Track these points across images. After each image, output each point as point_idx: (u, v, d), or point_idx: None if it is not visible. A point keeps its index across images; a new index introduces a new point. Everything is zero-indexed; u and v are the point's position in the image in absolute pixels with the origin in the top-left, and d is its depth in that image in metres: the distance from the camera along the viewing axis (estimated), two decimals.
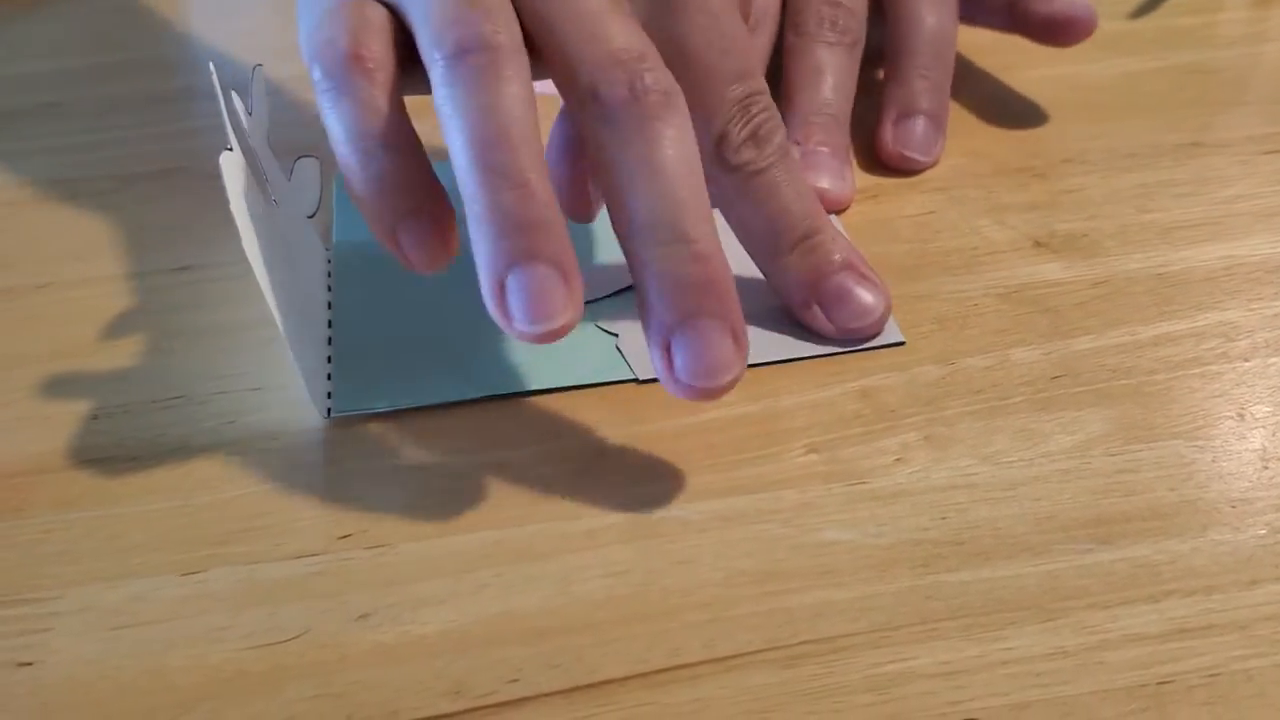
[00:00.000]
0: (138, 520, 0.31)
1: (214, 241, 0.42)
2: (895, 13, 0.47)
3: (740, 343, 0.30)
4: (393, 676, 0.27)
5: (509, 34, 0.31)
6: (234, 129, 0.34)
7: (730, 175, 0.36)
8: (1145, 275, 0.38)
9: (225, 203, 0.31)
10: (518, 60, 0.31)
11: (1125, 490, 0.31)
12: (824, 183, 0.41)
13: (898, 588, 0.29)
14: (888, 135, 0.45)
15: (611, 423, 0.34)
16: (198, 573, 0.30)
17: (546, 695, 0.27)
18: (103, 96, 0.53)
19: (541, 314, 0.29)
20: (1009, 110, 0.48)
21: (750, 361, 0.32)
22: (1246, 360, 0.35)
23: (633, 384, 0.35)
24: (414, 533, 0.31)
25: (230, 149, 0.33)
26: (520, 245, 0.29)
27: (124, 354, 0.37)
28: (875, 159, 0.45)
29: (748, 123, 0.35)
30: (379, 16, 0.33)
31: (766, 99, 0.36)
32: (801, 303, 0.36)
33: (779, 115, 0.36)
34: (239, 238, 0.31)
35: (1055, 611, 0.28)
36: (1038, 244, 0.40)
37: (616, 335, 0.36)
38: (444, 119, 0.30)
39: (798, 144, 0.42)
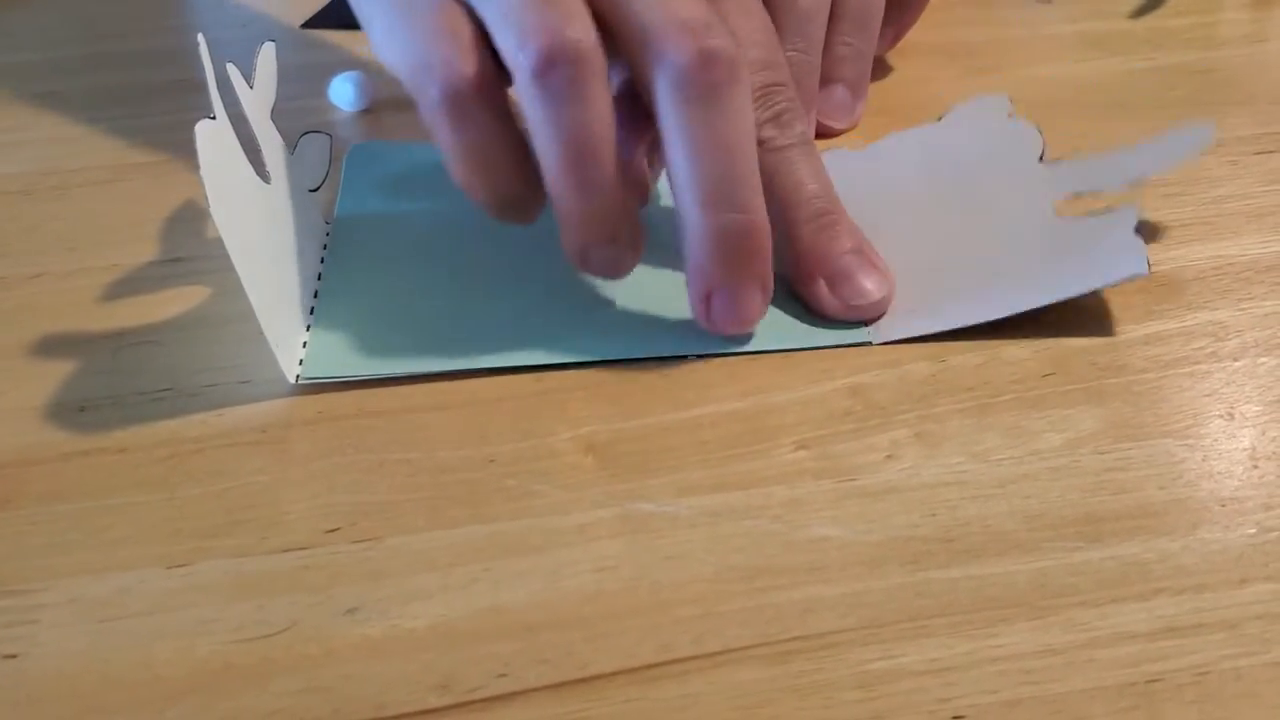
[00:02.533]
0: (125, 513, 0.31)
1: (206, 234, 0.42)
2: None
3: (767, 297, 0.36)
4: (380, 671, 0.27)
5: (588, 34, 0.33)
6: (219, 99, 0.35)
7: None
8: None
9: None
10: (599, 63, 0.33)
11: (1115, 488, 0.31)
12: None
13: (887, 584, 0.28)
14: None
15: (601, 418, 0.34)
16: (185, 566, 0.30)
17: (535, 690, 0.26)
18: (97, 87, 0.53)
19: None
20: None
21: (760, 348, 0.36)
22: (1236, 360, 0.35)
23: (621, 378, 0.35)
24: (402, 526, 0.30)
25: (213, 118, 0.34)
26: (602, 236, 0.35)
27: (114, 345, 0.37)
28: None
29: (770, 107, 0.37)
30: (467, 26, 0.34)
31: (790, 93, 0.38)
32: (807, 275, 0.37)
33: (801, 110, 0.38)
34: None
35: (1045, 609, 0.28)
36: None
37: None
38: (535, 128, 0.33)
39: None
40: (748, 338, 0.36)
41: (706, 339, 0.36)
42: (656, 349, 0.36)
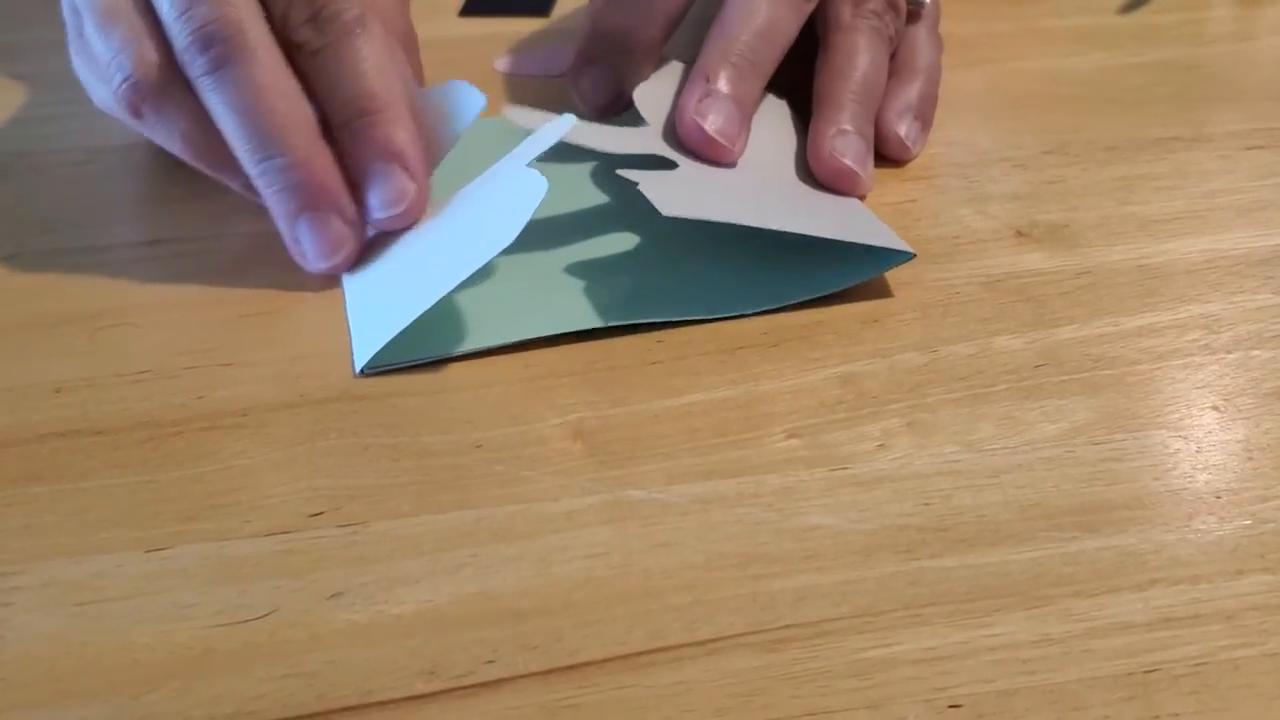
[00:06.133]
0: (103, 495, 0.31)
1: (185, 215, 0.42)
2: (832, 39, 0.42)
3: (348, 219, 0.37)
4: (366, 656, 0.26)
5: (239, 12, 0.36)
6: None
7: (296, 54, 0.37)
8: (1127, 267, 0.38)
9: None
10: (257, 41, 0.36)
11: (1110, 479, 0.30)
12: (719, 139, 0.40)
13: (881, 573, 0.28)
14: (825, 147, 0.40)
15: (589, 404, 0.33)
16: (164, 549, 0.29)
17: (524, 677, 0.26)
18: (72, 69, 0.52)
19: (327, 249, 0.37)
20: (990, 101, 0.48)
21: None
22: (1229, 352, 0.35)
23: (610, 365, 0.34)
24: (388, 511, 0.30)
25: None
26: (299, 200, 0.36)
27: (91, 327, 0.36)
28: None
29: (310, 5, 0.37)
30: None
31: None
32: (352, 181, 0.37)
33: (355, 1, 0.37)
34: None
35: (1041, 599, 0.27)
36: (1020, 234, 0.40)
37: (637, 183, 0.37)
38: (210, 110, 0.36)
39: (705, 80, 0.40)
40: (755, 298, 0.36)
41: (733, 300, 0.36)
42: (703, 310, 0.36)
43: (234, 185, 0.38)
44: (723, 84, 0.40)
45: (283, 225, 0.37)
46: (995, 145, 0.45)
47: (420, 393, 0.34)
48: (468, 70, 0.50)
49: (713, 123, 0.39)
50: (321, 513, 0.30)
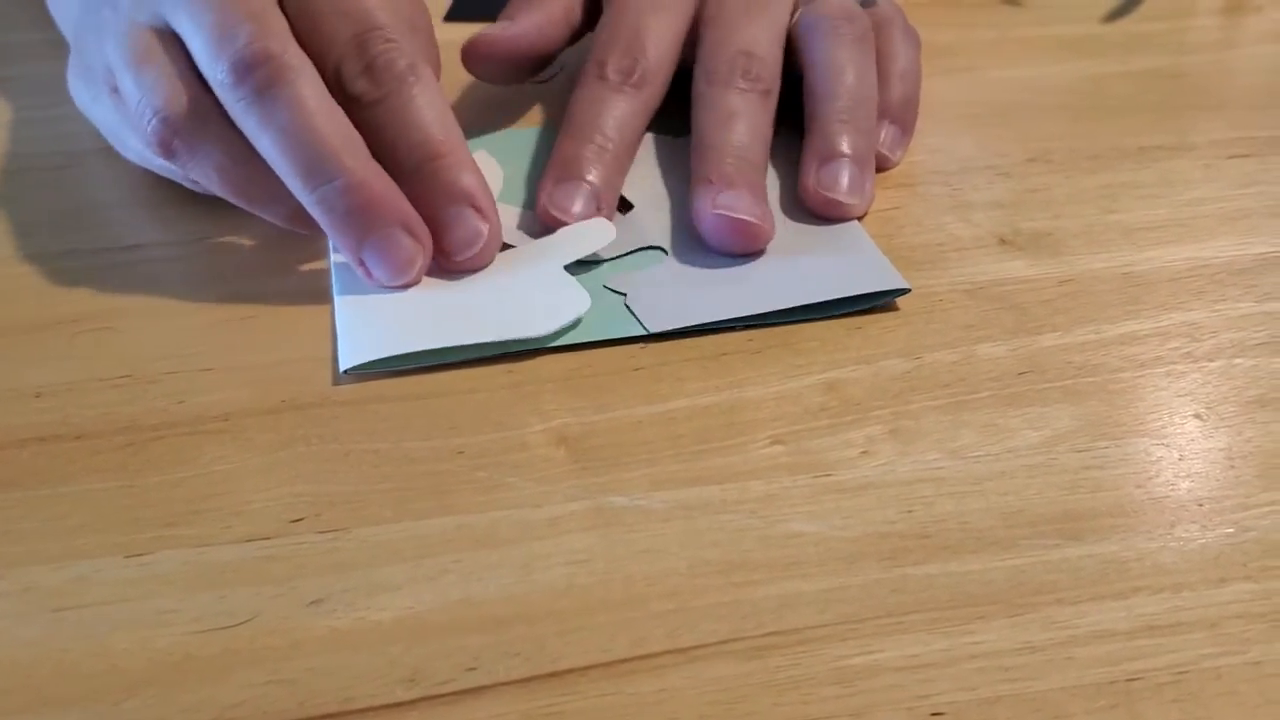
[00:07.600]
0: (82, 500, 0.30)
1: (165, 220, 0.41)
2: (811, 63, 0.43)
3: (417, 234, 0.36)
4: (347, 663, 0.26)
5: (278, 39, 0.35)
6: None
7: (352, 107, 0.36)
8: (1110, 275, 0.38)
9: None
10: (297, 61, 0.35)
11: (1093, 487, 0.30)
12: (749, 218, 0.38)
13: (864, 580, 0.28)
14: (810, 180, 0.40)
15: (573, 410, 0.33)
16: (144, 555, 0.29)
17: (505, 684, 0.26)
18: (54, 72, 0.51)
19: (397, 269, 0.36)
20: (974, 109, 0.48)
21: (762, 310, 0.36)
22: (1211, 360, 0.35)
23: (593, 371, 0.34)
24: (369, 517, 0.30)
25: None
26: (363, 223, 0.35)
27: (71, 331, 0.36)
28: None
29: (362, 57, 0.36)
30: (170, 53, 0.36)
31: (386, 35, 0.37)
32: (429, 219, 0.37)
33: (405, 48, 0.37)
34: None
35: (1023, 606, 0.27)
36: (1003, 241, 0.40)
37: (625, 294, 0.37)
38: (253, 138, 0.35)
39: (710, 183, 0.39)
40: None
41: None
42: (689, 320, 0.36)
43: (275, 219, 0.37)
44: (730, 181, 0.39)
45: (348, 252, 0.36)
46: (979, 153, 0.45)
47: (402, 398, 0.33)
48: (452, 74, 0.50)
49: (738, 209, 0.38)
50: (302, 519, 0.30)
